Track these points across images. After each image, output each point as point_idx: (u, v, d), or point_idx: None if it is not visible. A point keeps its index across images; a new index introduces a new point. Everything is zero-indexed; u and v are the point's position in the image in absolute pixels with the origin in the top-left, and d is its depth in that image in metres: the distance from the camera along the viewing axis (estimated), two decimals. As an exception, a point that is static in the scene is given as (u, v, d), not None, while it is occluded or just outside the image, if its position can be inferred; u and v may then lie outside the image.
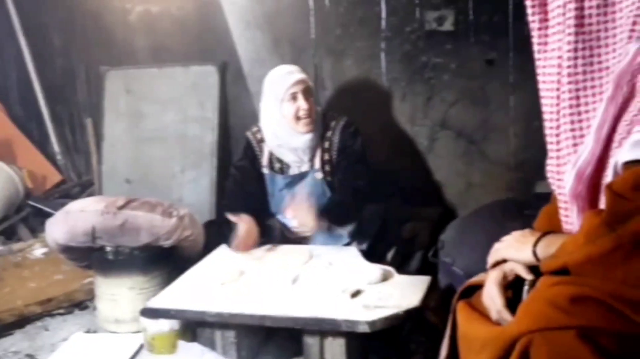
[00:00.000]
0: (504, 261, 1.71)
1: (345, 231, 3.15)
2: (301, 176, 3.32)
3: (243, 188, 3.35)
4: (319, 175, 3.30)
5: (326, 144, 3.31)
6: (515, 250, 1.68)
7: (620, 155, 1.43)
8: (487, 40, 3.61)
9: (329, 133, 3.31)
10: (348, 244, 3.17)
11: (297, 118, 3.20)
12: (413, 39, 3.74)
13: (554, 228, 1.68)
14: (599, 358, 1.34)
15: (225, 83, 4.21)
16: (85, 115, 4.77)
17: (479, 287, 1.76)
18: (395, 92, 3.85)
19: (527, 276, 1.64)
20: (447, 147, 3.83)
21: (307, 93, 3.23)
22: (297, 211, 3.13)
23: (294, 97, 3.19)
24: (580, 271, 1.44)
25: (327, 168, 3.31)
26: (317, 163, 3.31)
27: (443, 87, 3.76)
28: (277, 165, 3.36)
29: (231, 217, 3.13)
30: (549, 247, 1.58)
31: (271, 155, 3.35)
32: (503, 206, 3.15)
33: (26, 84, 4.93)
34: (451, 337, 1.76)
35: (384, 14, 3.76)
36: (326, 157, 3.31)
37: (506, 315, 1.60)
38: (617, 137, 1.47)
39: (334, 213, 3.14)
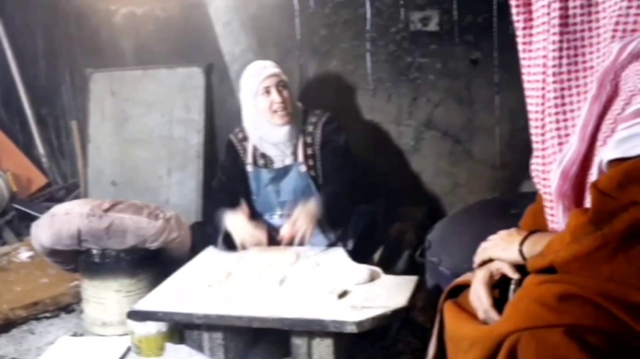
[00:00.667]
0: (490, 260, 1.71)
1: (333, 234, 3.16)
2: (285, 170, 3.35)
3: (227, 188, 3.38)
4: (303, 168, 3.33)
5: (308, 139, 3.34)
6: (501, 249, 1.68)
7: (605, 153, 1.43)
8: (471, 40, 3.63)
9: (310, 128, 3.35)
10: (333, 244, 3.16)
11: (273, 111, 3.26)
12: (398, 40, 3.75)
13: (539, 226, 1.68)
14: (587, 356, 1.34)
15: (211, 85, 4.19)
16: (70, 117, 4.73)
17: (465, 287, 1.76)
18: (380, 93, 3.85)
19: (514, 275, 1.64)
20: (432, 147, 3.84)
21: (281, 86, 3.29)
22: (295, 221, 3.08)
23: (267, 91, 3.26)
24: (567, 269, 1.44)
25: (310, 162, 3.34)
26: (300, 156, 3.34)
27: (428, 87, 3.77)
28: (261, 161, 3.38)
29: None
30: (535, 246, 1.58)
31: (255, 151, 3.38)
32: (489, 206, 3.16)
33: (10, 87, 4.89)
34: (438, 337, 1.75)
35: (369, 15, 3.76)
36: (309, 151, 3.35)
37: (493, 314, 1.60)
38: (601, 135, 1.47)
39: (329, 206, 3.14)
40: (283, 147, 3.33)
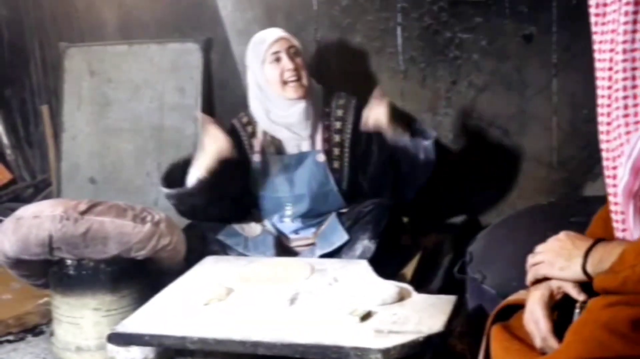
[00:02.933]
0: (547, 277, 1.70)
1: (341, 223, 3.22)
2: (300, 157, 3.39)
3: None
4: (321, 158, 3.37)
5: (337, 124, 3.39)
6: (559, 266, 1.65)
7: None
8: (525, 11, 3.61)
9: (339, 112, 3.41)
10: (348, 241, 3.19)
11: (284, 82, 3.31)
12: (435, 11, 3.74)
13: (611, 236, 1.66)
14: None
15: (209, 64, 4.21)
16: (40, 101, 4.77)
17: (518, 307, 1.75)
18: (413, 75, 3.86)
19: (579, 297, 1.62)
20: (475, 141, 3.83)
21: (293, 54, 3.35)
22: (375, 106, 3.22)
23: (277, 59, 3.33)
24: (644, 288, 1.44)
25: (336, 152, 3.38)
26: (319, 143, 3.38)
27: (471, 69, 3.77)
28: (271, 149, 3.43)
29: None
30: (602, 260, 1.56)
31: (265, 136, 3.43)
32: (543, 212, 3.15)
33: (-32, 64, 4.93)
34: (484, 368, 1.75)
35: (400, -20, 3.77)
36: (336, 138, 3.39)
37: (553, 342, 1.58)
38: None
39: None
40: (298, 129, 3.36)
